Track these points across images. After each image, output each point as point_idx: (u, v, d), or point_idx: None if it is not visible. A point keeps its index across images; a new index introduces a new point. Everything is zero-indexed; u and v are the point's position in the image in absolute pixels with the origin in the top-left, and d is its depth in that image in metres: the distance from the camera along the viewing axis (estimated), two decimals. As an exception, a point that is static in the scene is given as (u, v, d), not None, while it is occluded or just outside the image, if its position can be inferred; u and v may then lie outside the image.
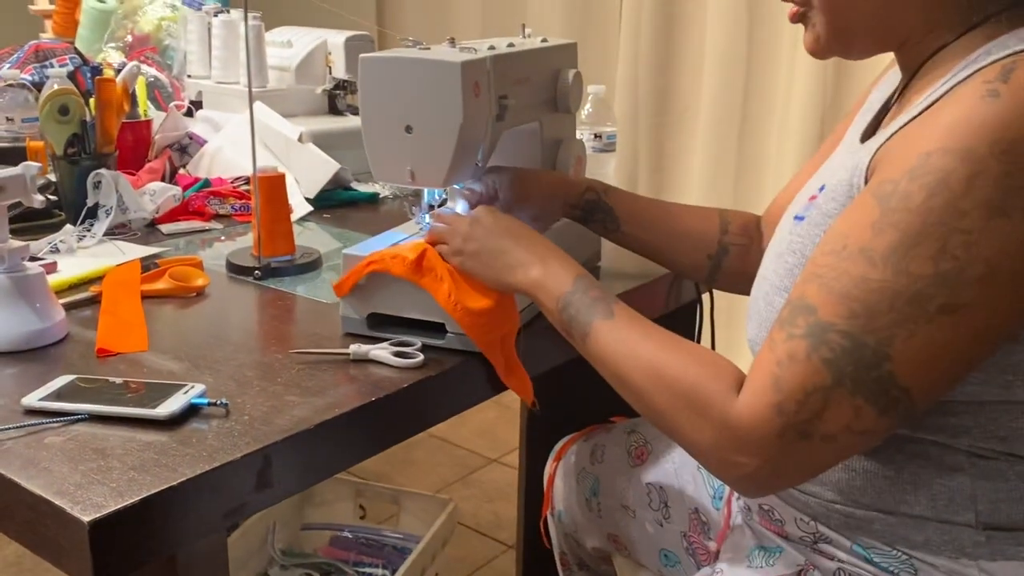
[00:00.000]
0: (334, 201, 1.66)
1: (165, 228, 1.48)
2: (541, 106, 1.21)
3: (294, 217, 1.42)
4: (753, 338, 0.92)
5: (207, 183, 1.61)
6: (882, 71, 1.03)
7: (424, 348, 1.00)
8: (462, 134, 1.00)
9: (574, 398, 1.38)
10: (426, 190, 1.14)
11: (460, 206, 1.11)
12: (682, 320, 1.36)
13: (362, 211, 1.64)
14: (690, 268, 1.18)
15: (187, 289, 1.19)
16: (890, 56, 0.91)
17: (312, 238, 1.46)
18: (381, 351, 0.99)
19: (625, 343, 0.86)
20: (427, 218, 1.14)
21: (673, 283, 1.32)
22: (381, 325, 1.04)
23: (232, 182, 1.62)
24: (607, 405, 1.05)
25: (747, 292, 1.21)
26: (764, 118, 2.42)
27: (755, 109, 2.43)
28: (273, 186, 1.27)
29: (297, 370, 0.96)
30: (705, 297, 1.36)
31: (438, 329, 1.02)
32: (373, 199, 1.70)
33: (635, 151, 2.64)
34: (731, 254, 1.16)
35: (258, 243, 1.26)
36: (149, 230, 1.47)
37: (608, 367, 0.87)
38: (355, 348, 0.99)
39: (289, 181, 1.35)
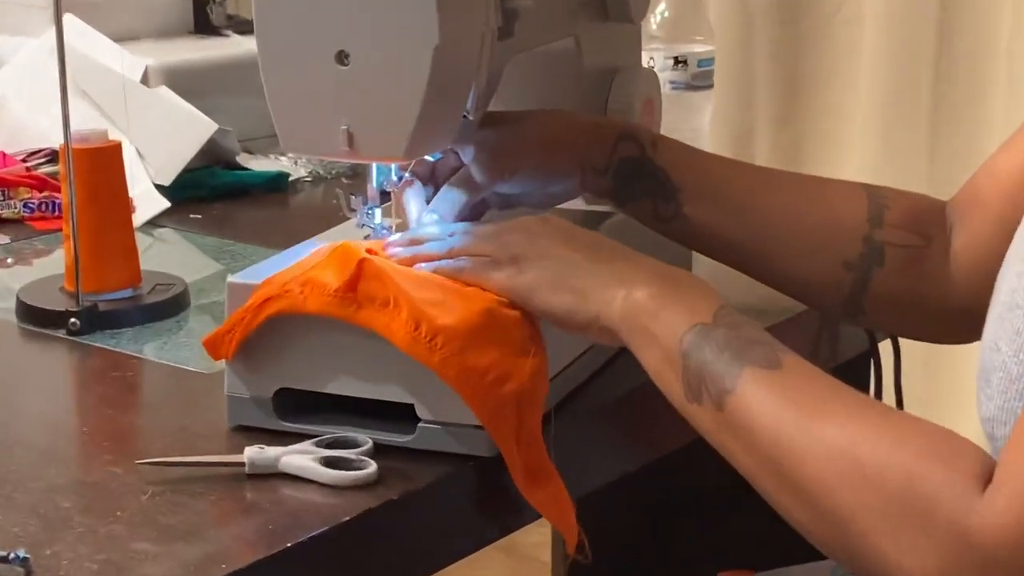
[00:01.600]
0: (209, 189, 1.68)
1: (-94, 246, 1.50)
2: (578, 10, 1.23)
3: (138, 220, 1.43)
4: (992, 415, 0.93)
5: (-20, 163, 1.63)
6: None
7: (377, 450, 1.01)
8: (437, 65, 1.02)
9: (652, 531, 1.38)
10: (375, 166, 1.15)
11: (412, 199, 1.12)
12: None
13: (260, 206, 1.66)
14: (814, 285, 1.19)
15: (-51, 354, 1.20)
16: None
17: (171, 256, 1.48)
18: (300, 458, 1.00)
19: (801, 407, 0.88)
20: (377, 216, 1.15)
21: (824, 323, 1.33)
22: (300, 411, 1.05)
23: (25, 160, 1.64)
24: (712, 542, 1.05)
25: (918, 334, 1.21)
26: (987, 26, 2.43)
27: (970, 10, 2.44)
28: (99, 165, 1.28)
29: (151, 495, 0.97)
30: (884, 346, 1.37)
31: (402, 416, 1.02)
32: (279, 184, 1.72)
33: (749, 89, 2.65)
34: (889, 262, 1.17)
35: (75, 269, 1.27)
36: None
37: (762, 447, 0.89)
38: (252, 454, 1.00)
39: (128, 155, 1.36)
